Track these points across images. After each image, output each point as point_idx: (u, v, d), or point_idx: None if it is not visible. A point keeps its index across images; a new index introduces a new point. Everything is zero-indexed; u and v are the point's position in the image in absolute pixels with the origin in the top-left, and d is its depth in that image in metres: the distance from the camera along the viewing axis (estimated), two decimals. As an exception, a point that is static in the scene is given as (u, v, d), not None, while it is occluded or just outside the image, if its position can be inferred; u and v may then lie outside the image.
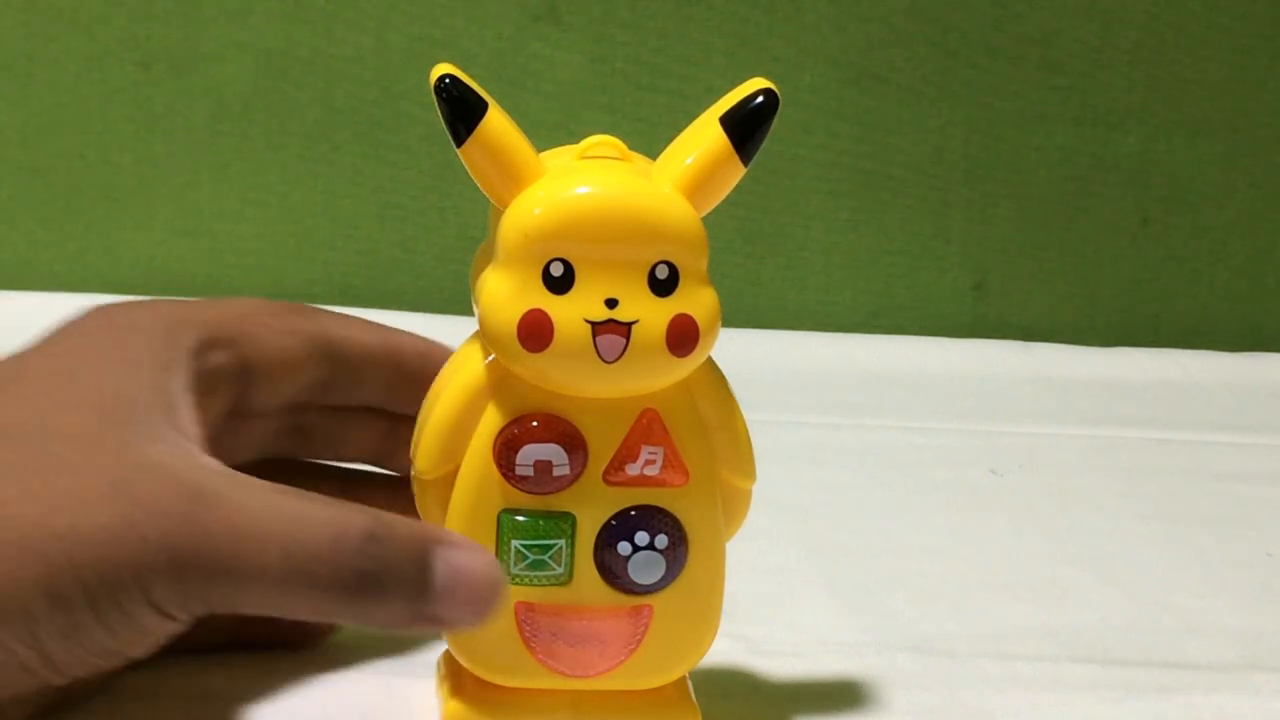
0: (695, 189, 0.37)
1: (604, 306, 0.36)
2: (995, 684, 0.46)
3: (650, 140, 0.39)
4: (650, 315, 0.36)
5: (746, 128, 0.37)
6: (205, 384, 0.39)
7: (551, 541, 0.38)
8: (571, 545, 0.38)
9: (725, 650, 0.44)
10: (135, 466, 0.34)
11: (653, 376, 0.37)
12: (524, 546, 0.38)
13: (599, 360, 0.36)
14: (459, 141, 0.36)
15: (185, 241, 0.78)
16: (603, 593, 0.39)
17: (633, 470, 0.38)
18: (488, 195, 0.37)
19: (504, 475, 0.37)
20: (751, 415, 0.39)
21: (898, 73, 0.81)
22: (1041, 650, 0.49)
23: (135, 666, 0.38)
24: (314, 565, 0.34)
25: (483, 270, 0.37)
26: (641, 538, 0.38)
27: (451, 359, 0.40)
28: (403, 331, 0.44)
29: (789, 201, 0.82)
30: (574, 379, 0.37)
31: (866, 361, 0.79)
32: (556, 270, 0.36)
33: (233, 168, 0.78)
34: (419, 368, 0.43)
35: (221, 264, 0.79)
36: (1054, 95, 0.82)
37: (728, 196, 0.37)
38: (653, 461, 0.38)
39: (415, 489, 0.39)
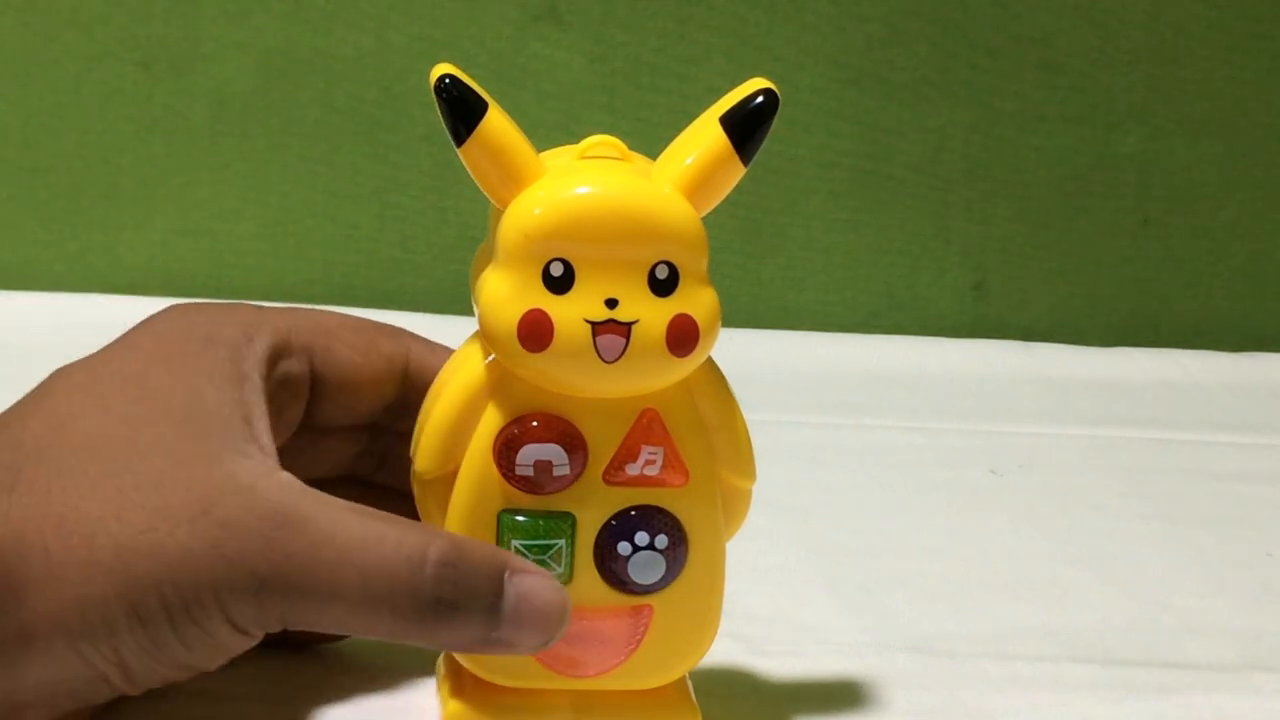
0: (695, 189, 0.37)
1: (604, 306, 0.36)
2: (995, 684, 0.46)
3: (650, 140, 0.39)
4: (650, 315, 0.36)
5: (746, 128, 0.37)
6: (278, 394, 0.40)
7: (551, 541, 0.38)
8: (571, 545, 0.38)
9: (725, 650, 0.44)
10: (219, 486, 0.35)
11: (653, 376, 0.37)
12: (524, 546, 0.38)
13: (599, 360, 0.36)
14: (459, 141, 0.36)
15: (185, 241, 0.78)
16: (603, 593, 0.39)
17: (633, 470, 0.38)
18: (488, 195, 0.37)
19: (504, 475, 0.37)
20: (751, 415, 0.39)
21: (898, 73, 0.81)
22: (1041, 650, 0.49)
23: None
24: (392, 590, 0.35)
25: (483, 270, 0.37)
26: (641, 538, 0.38)
27: (451, 359, 0.40)
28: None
29: (789, 201, 0.82)
30: (574, 379, 0.37)
31: (866, 361, 0.79)
32: (556, 270, 0.36)
33: (233, 168, 0.78)
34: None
35: (221, 264, 0.79)
36: (1054, 95, 0.82)
37: (728, 196, 0.37)
38: (653, 461, 0.38)
39: (415, 488, 0.39)
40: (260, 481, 0.35)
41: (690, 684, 0.41)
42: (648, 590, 0.39)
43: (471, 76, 0.36)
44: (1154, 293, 0.86)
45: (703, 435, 0.38)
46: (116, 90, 0.76)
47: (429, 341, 0.44)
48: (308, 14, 0.76)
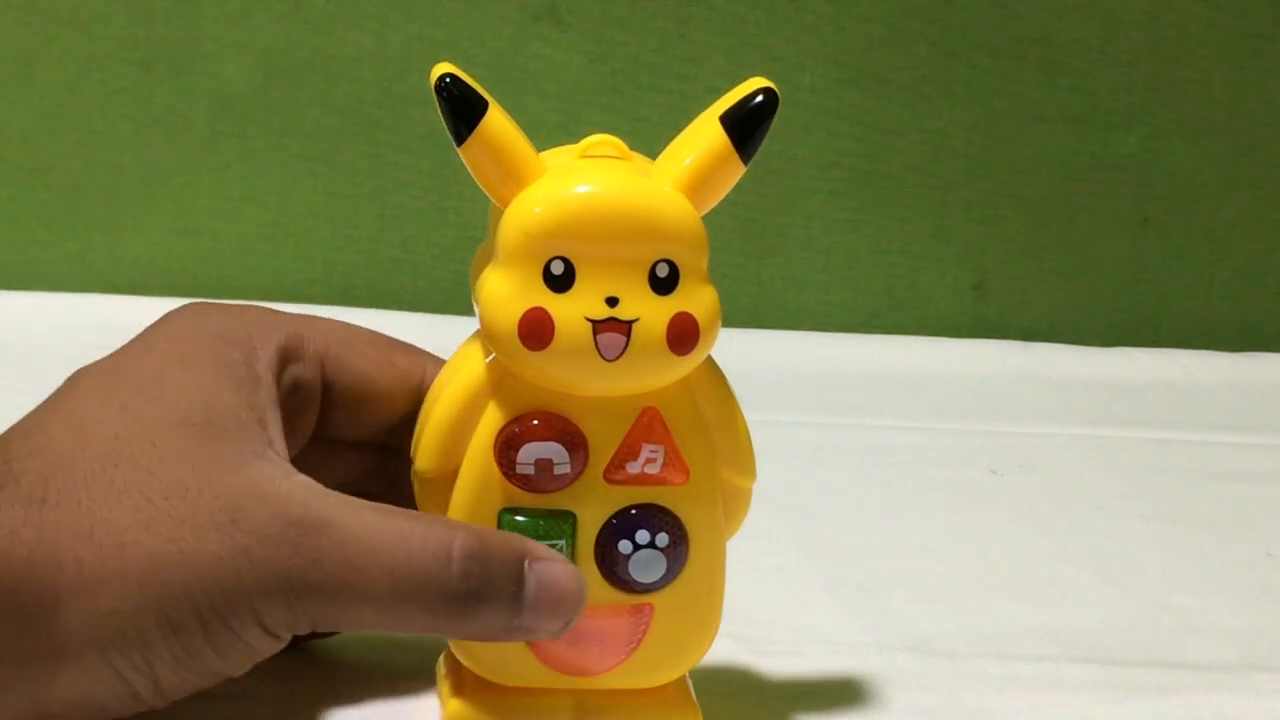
0: (695, 188, 0.37)
1: (604, 305, 0.36)
2: (995, 684, 0.46)
3: (650, 140, 0.39)
4: (651, 313, 0.36)
5: (746, 127, 0.37)
6: (290, 399, 0.40)
7: (552, 540, 0.38)
8: (572, 544, 0.38)
9: (725, 650, 0.44)
10: (243, 493, 0.35)
11: (653, 375, 0.37)
12: (524, 545, 0.38)
13: (599, 358, 0.36)
14: (460, 141, 0.36)
15: (185, 241, 0.78)
16: (603, 591, 0.39)
17: (633, 469, 0.38)
18: (488, 194, 0.37)
19: (505, 474, 0.37)
20: (751, 415, 0.39)
21: (898, 73, 0.81)
22: (1041, 650, 0.49)
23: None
24: (420, 586, 0.35)
25: (483, 269, 0.37)
26: (642, 536, 0.38)
27: (452, 358, 0.40)
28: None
29: (789, 201, 0.82)
30: (575, 377, 0.37)
31: (866, 361, 0.79)
32: (557, 269, 0.36)
33: (233, 168, 0.78)
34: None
35: (221, 264, 0.79)
36: (1054, 95, 0.82)
37: (728, 196, 0.37)
38: (653, 460, 0.38)
39: (416, 488, 0.39)
40: (282, 486, 0.35)
41: (690, 683, 0.41)
42: (648, 589, 0.39)
43: (472, 76, 0.36)
44: (1154, 293, 0.86)
45: (703, 434, 0.38)
46: (116, 90, 0.76)
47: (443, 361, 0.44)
48: (308, 14, 0.76)
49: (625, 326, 0.36)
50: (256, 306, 0.41)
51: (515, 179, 0.36)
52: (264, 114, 0.77)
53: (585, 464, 0.38)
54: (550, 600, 0.36)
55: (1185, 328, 0.86)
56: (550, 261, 0.36)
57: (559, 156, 0.38)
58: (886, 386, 0.76)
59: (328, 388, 0.41)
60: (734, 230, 0.81)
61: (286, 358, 0.40)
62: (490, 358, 0.38)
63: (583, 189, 0.36)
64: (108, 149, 0.77)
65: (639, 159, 0.38)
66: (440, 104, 0.36)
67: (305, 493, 0.35)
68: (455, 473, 0.38)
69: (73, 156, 0.77)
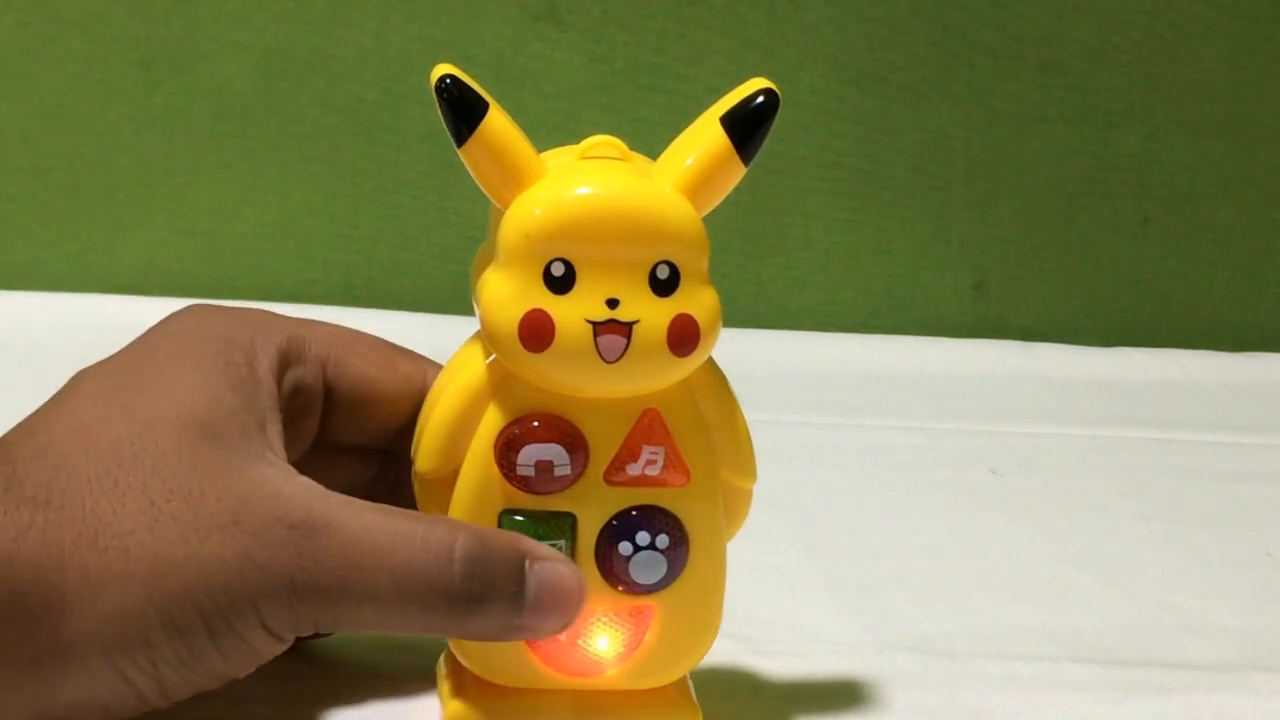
0: (696, 189, 0.37)
1: (605, 306, 0.36)
2: (995, 684, 0.46)
3: (650, 140, 0.39)
4: (651, 315, 0.36)
5: (747, 128, 0.37)
6: (291, 403, 0.40)
7: (552, 541, 0.38)
8: (572, 545, 0.38)
9: (725, 650, 0.44)
10: (245, 495, 0.35)
11: (654, 376, 0.37)
12: (525, 546, 0.38)
13: (600, 360, 0.36)
14: (460, 141, 0.36)
15: (185, 241, 0.78)
16: (604, 592, 0.39)
17: (634, 470, 0.38)
18: (488, 195, 0.37)
19: (505, 475, 0.37)
20: (751, 415, 0.39)
21: (898, 73, 0.81)
22: (1041, 650, 0.49)
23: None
24: (422, 587, 0.35)
25: (483, 270, 0.37)
26: (643, 538, 0.38)
27: (452, 359, 0.40)
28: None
29: (789, 201, 0.82)
30: (575, 379, 0.37)
31: (866, 361, 0.79)
32: (557, 270, 0.36)
33: (233, 168, 0.78)
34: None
35: (221, 264, 0.79)
36: (1054, 95, 0.82)
37: (728, 196, 0.37)
38: (654, 461, 0.38)
39: (416, 489, 0.39)
40: (284, 488, 0.35)
41: (691, 684, 0.41)
42: (649, 590, 0.39)
43: (472, 76, 0.36)
44: (1154, 293, 0.86)
45: (704, 435, 0.38)
46: (116, 90, 0.76)
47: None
48: (308, 14, 0.76)
49: (626, 328, 0.36)
50: (258, 309, 0.41)
51: (516, 180, 0.36)
52: (264, 114, 0.77)
53: (585, 465, 0.38)
54: (551, 599, 0.36)
55: (1185, 328, 0.86)
56: (551, 263, 0.36)
57: (559, 157, 0.38)
58: (886, 386, 0.76)
59: (329, 391, 0.41)
60: (734, 230, 0.81)
61: (288, 361, 0.40)
62: (490, 359, 0.38)
63: (583, 190, 0.36)
64: (108, 149, 0.77)
65: (639, 160, 0.38)
66: (440, 105, 0.36)
67: (307, 494, 0.36)
68: (455, 474, 0.38)
69: (73, 156, 0.77)
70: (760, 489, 0.40)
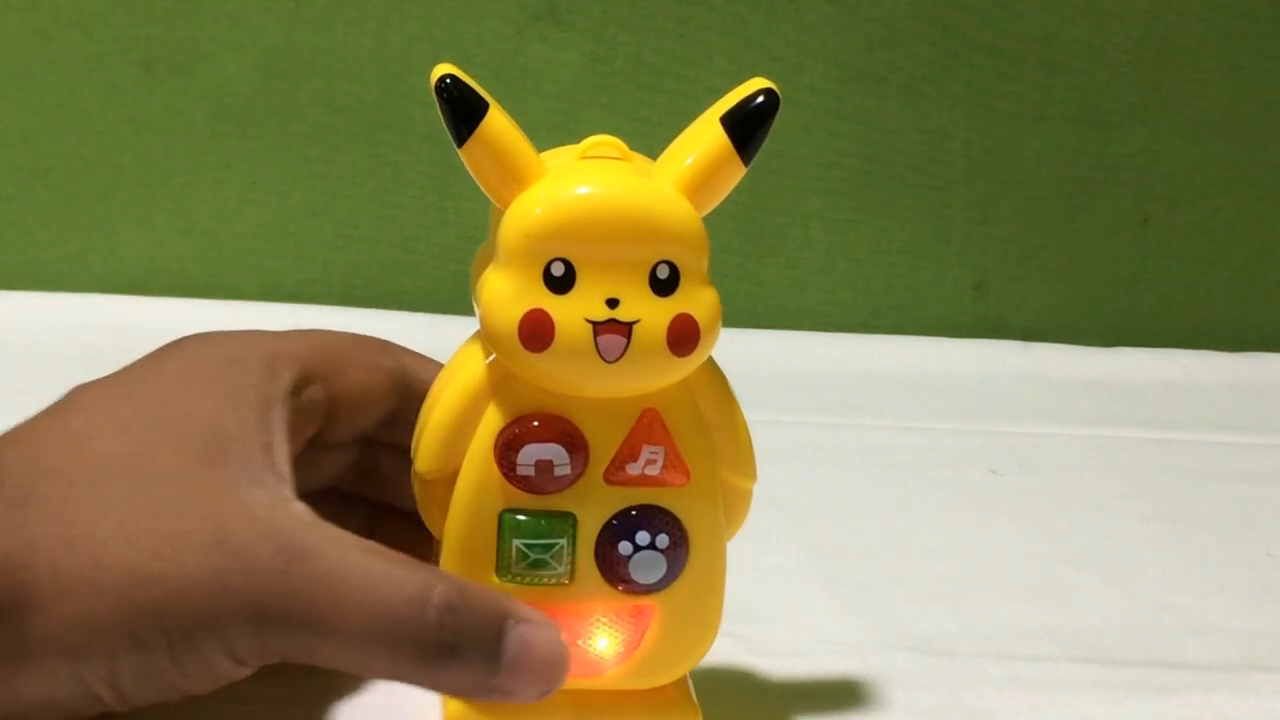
0: (696, 189, 0.37)
1: (605, 306, 0.36)
2: (995, 684, 0.46)
3: (650, 140, 0.39)
4: (651, 315, 0.36)
5: (747, 127, 0.37)
6: (298, 420, 0.40)
7: (553, 541, 0.38)
8: (573, 545, 0.38)
9: (725, 650, 0.44)
10: (233, 516, 0.35)
11: (654, 376, 0.37)
12: (525, 546, 0.38)
13: (600, 360, 0.36)
14: (460, 141, 0.36)
15: (185, 241, 0.78)
16: (604, 592, 0.39)
17: (634, 470, 0.38)
18: (488, 195, 0.37)
19: (505, 475, 0.37)
20: (751, 415, 0.39)
21: (898, 73, 0.81)
22: (1041, 650, 0.49)
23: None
24: (394, 631, 0.35)
25: (483, 270, 0.37)
26: (643, 537, 0.38)
27: (452, 359, 0.40)
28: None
29: (789, 201, 0.82)
30: (575, 379, 0.37)
31: (866, 361, 0.79)
32: (557, 270, 0.36)
33: (233, 168, 0.78)
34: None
35: (221, 264, 0.79)
36: (1054, 95, 0.82)
37: (728, 196, 0.37)
38: (654, 461, 0.38)
39: (416, 489, 0.39)
40: (274, 513, 0.35)
41: (691, 684, 0.41)
42: (649, 590, 0.39)
43: (472, 76, 0.36)
44: (1154, 293, 0.86)
45: (704, 435, 0.38)
46: (116, 90, 0.76)
47: (418, 354, 0.44)
48: (308, 14, 0.76)
49: (626, 328, 0.36)
50: (263, 331, 0.41)
51: (516, 180, 0.36)
52: (264, 114, 0.77)
53: (585, 465, 0.38)
54: (531, 664, 0.36)
55: (1185, 328, 0.86)
56: (551, 263, 0.36)
57: (559, 157, 0.38)
58: (886, 386, 0.76)
59: (331, 403, 0.41)
60: (734, 230, 0.81)
61: (299, 384, 0.40)
62: (490, 359, 0.38)
63: (583, 190, 0.36)
64: (108, 149, 0.77)
65: (639, 159, 0.38)
66: (441, 105, 0.36)
67: (294, 521, 0.35)
68: (455, 474, 0.38)
69: (73, 156, 0.77)
70: (760, 489, 0.40)
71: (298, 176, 0.78)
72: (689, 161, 0.37)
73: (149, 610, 0.33)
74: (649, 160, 0.38)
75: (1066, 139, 0.83)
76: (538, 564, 0.38)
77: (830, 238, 0.82)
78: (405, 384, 0.42)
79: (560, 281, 0.36)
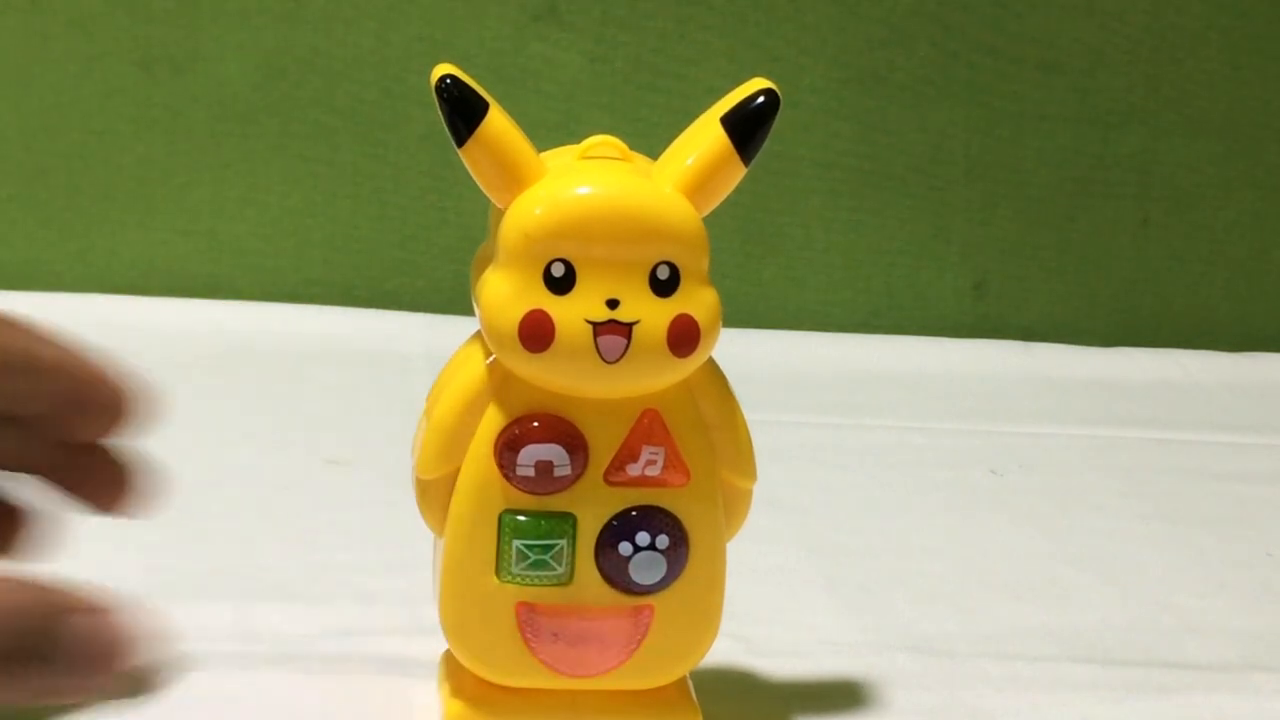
0: (696, 189, 0.37)
1: (605, 307, 0.36)
2: (995, 684, 0.46)
3: (650, 140, 0.39)
4: (651, 315, 0.36)
5: (747, 128, 0.37)
6: None
7: (552, 541, 0.38)
8: (572, 545, 0.38)
9: (725, 650, 0.44)
10: None
11: (654, 377, 0.37)
12: (525, 546, 0.38)
13: (600, 360, 0.36)
14: (460, 142, 0.36)
15: (185, 241, 0.78)
16: (604, 593, 0.39)
17: (634, 470, 0.38)
18: (488, 195, 0.37)
19: (505, 475, 0.37)
20: (751, 415, 0.39)
21: (898, 73, 0.81)
22: (1041, 650, 0.49)
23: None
24: None
25: (483, 270, 0.37)
26: (642, 538, 0.38)
27: (452, 359, 0.40)
28: (87, 351, 0.41)
29: (789, 201, 0.82)
30: (575, 379, 0.37)
31: (866, 361, 0.79)
32: (557, 270, 0.36)
33: (233, 168, 0.78)
34: (89, 392, 0.40)
35: (221, 264, 0.79)
36: (1054, 95, 0.82)
37: (728, 196, 0.37)
38: (654, 462, 0.38)
39: (416, 490, 0.39)
40: None
41: (690, 684, 0.41)
42: (648, 590, 0.39)
43: (471, 76, 0.36)
44: (1154, 293, 0.86)
45: (703, 435, 0.38)
46: (116, 90, 0.76)
47: (36, 332, 0.39)
48: (308, 14, 0.76)
49: (626, 328, 0.36)
50: None
51: (516, 180, 0.36)
52: (264, 114, 0.77)
53: (585, 466, 0.38)
54: (89, 654, 0.32)
55: (1185, 328, 0.86)
56: (551, 263, 0.36)
57: (559, 157, 0.38)
58: (886, 386, 0.76)
59: None
60: (734, 230, 0.81)
61: None
62: (490, 359, 0.38)
63: (583, 190, 0.36)
64: (108, 149, 0.77)
65: (639, 159, 0.38)
66: (440, 105, 0.36)
67: None
68: (455, 475, 0.38)
69: (73, 156, 0.77)
70: (760, 489, 0.40)
71: (298, 176, 0.78)
72: (689, 162, 0.37)
73: None
74: (649, 160, 0.38)
75: (1066, 139, 0.83)
76: (537, 564, 0.38)
77: (830, 238, 0.82)
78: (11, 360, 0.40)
79: (560, 282, 0.36)
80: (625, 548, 0.38)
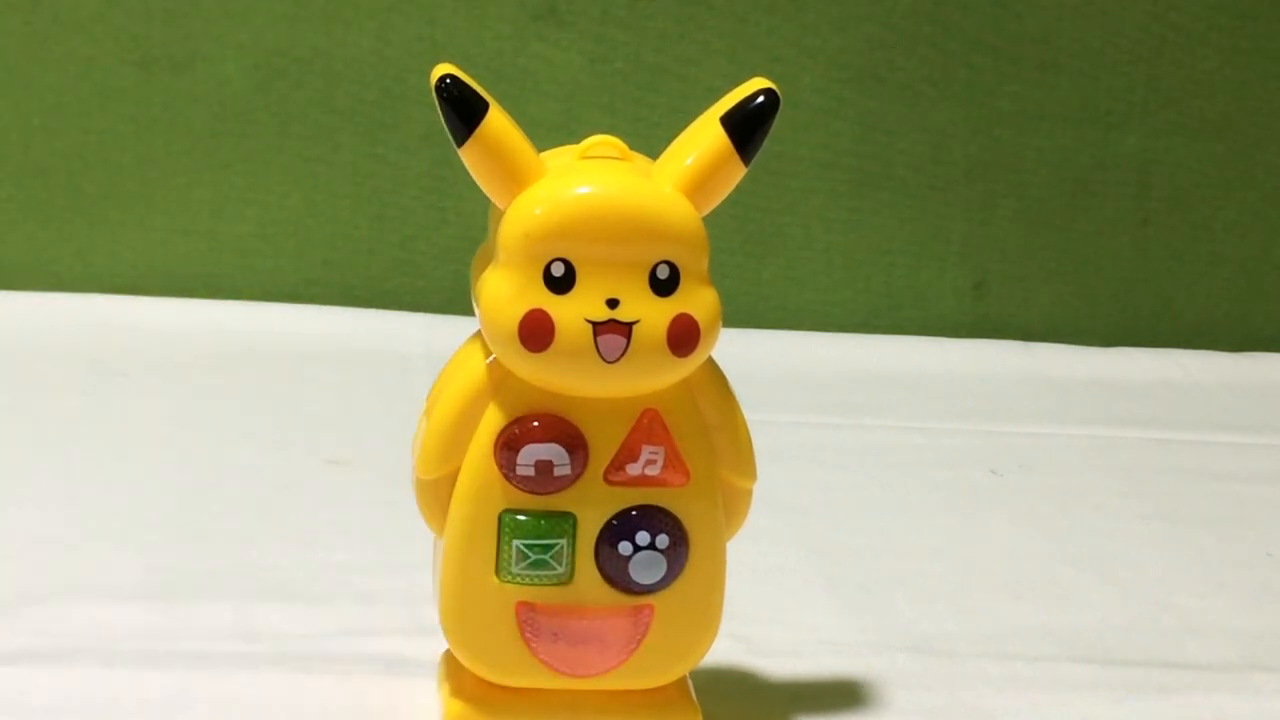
0: (696, 189, 0.37)
1: (605, 306, 0.36)
2: (995, 684, 0.46)
3: (650, 140, 0.39)
4: (651, 315, 0.36)
5: (747, 128, 0.37)
6: None
7: (552, 541, 0.38)
8: (572, 545, 0.38)
9: (725, 650, 0.44)
10: None
11: (654, 376, 0.37)
12: (525, 546, 0.38)
13: (600, 360, 0.36)
14: (460, 142, 0.36)
15: (185, 241, 0.78)
16: (603, 592, 0.39)
17: (634, 470, 0.38)
18: (488, 195, 0.37)
19: (505, 475, 0.37)
20: (751, 415, 0.39)
21: (898, 73, 0.81)
22: (1041, 650, 0.49)
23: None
24: None
25: (483, 270, 0.37)
26: (642, 537, 0.38)
27: (452, 359, 0.40)
28: None
29: (789, 201, 0.82)
30: (575, 379, 0.37)
31: (866, 361, 0.79)
32: (557, 270, 0.36)
33: (233, 168, 0.78)
34: None
35: (221, 264, 0.79)
36: (1054, 95, 0.82)
37: (728, 196, 0.37)
38: (654, 461, 0.38)
39: (416, 490, 0.39)
40: None
41: (690, 684, 0.41)
42: (648, 590, 0.39)
43: (472, 76, 0.36)
44: (1154, 293, 0.86)
45: (703, 435, 0.38)
46: (116, 90, 0.76)
47: None
48: (308, 14, 0.76)
49: (626, 328, 0.36)
50: None
51: (516, 180, 0.36)
52: (264, 114, 0.77)
53: (585, 465, 0.38)
54: None
55: (1185, 328, 0.86)
56: (551, 263, 0.36)
57: (559, 157, 0.38)
58: (886, 386, 0.76)
59: None
60: (734, 230, 0.81)
61: None
62: (490, 359, 0.38)
63: (583, 190, 0.36)
64: (108, 149, 0.77)
65: (639, 159, 0.38)
66: (440, 105, 0.36)
67: None
68: (455, 475, 0.38)
69: (73, 156, 0.77)
70: (760, 489, 0.40)
71: (298, 176, 0.78)
72: (689, 161, 0.37)
73: None
74: (649, 160, 0.38)
75: (1066, 139, 0.83)
76: (537, 564, 0.38)
77: (830, 238, 0.82)
78: None
79: (560, 282, 0.36)
80: (625, 547, 0.38)
